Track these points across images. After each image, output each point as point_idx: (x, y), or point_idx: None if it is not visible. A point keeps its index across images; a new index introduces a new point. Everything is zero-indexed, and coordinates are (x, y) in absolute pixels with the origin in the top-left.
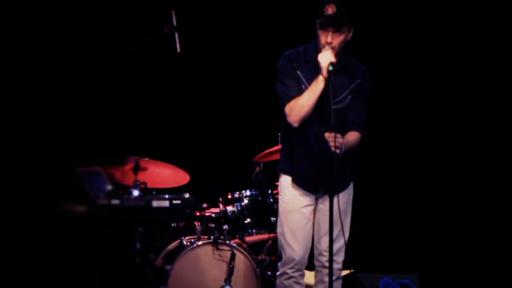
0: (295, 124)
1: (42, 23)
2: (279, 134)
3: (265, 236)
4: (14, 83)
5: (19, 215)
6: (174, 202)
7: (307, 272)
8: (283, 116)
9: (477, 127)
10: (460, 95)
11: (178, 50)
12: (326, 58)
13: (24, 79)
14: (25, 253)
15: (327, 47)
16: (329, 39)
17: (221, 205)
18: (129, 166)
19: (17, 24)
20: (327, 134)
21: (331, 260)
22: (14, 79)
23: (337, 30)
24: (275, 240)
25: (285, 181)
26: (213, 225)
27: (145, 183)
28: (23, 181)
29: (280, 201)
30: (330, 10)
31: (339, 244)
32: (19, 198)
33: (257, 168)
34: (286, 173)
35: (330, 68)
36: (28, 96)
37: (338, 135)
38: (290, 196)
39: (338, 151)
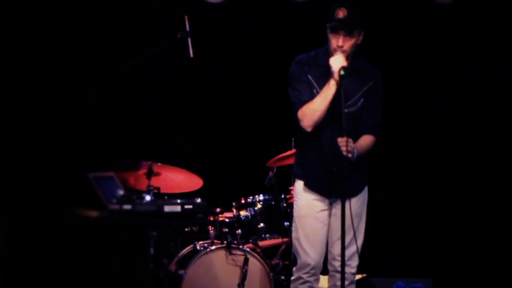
0: (308, 129)
1: (53, 27)
2: (293, 138)
3: (279, 240)
4: (28, 91)
5: (32, 220)
6: (186, 207)
7: (321, 277)
8: (296, 121)
9: (495, 131)
10: (479, 97)
11: (191, 55)
12: (337, 62)
13: (38, 86)
14: (39, 258)
15: (338, 51)
16: (340, 43)
17: (234, 210)
18: (142, 171)
19: (31, 30)
20: (339, 139)
21: (343, 265)
22: (28, 86)
23: (349, 33)
24: (288, 245)
25: (299, 186)
26: (227, 230)
27: (158, 188)
28: (36, 187)
29: (295, 206)
30: (341, 13)
31: (353, 249)
32: (32, 204)
33: (270, 173)
34: (299, 177)
35: (342, 72)
36: (42, 103)
37: (350, 140)
38: (304, 201)
39: (350, 155)
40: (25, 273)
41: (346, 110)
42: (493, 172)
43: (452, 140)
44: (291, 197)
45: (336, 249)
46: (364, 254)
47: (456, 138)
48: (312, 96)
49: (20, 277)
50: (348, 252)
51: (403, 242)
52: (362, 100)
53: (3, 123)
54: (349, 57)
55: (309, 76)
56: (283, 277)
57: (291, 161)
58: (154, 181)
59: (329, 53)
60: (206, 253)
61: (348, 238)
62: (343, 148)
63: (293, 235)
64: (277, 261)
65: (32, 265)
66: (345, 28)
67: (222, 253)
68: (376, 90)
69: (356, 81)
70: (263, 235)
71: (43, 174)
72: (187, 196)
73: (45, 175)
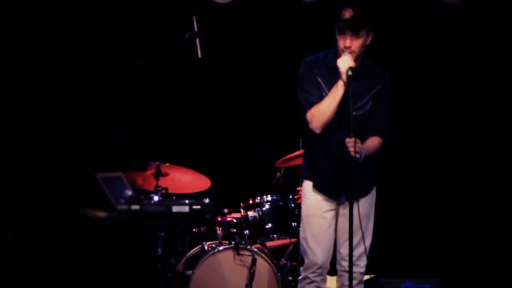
0: (318, 130)
1: (62, 28)
2: (301, 139)
3: (286, 241)
4: (37, 91)
5: (41, 221)
6: (194, 207)
7: (328, 277)
8: (305, 122)
9: (505, 132)
10: (485, 99)
11: (199, 55)
12: (345, 62)
13: (46, 87)
14: (47, 258)
15: (346, 52)
16: (347, 43)
17: (242, 210)
18: (150, 172)
19: (41, 31)
20: (347, 139)
21: (351, 265)
22: (37, 87)
23: (355, 33)
24: (296, 245)
25: (307, 186)
26: (234, 230)
27: (166, 189)
28: (44, 187)
29: (302, 205)
30: (347, 14)
31: (361, 249)
32: (41, 204)
33: (278, 173)
34: (308, 178)
35: (349, 72)
36: (50, 103)
37: (358, 141)
38: (312, 201)
39: (358, 155)
40: (33, 273)
41: (354, 113)
42: (501, 172)
43: (461, 141)
44: (299, 198)
45: (345, 249)
46: (372, 254)
47: (465, 139)
48: (321, 98)
49: (29, 277)
50: (356, 253)
51: (410, 243)
52: (370, 103)
53: (12, 123)
54: (358, 58)
55: (318, 78)
56: (290, 278)
57: (298, 161)
58: (162, 182)
59: (338, 54)
60: (214, 253)
61: (356, 239)
62: (351, 149)
63: (301, 234)
64: (284, 261)
65: (40, 265)
66: (351, 28)
67: (230, 253)
68: (384, 92)
69: (364, 84)
70: (270, 236)
71: (51, 174)
72: (195, 197)
73: (54, 175)
